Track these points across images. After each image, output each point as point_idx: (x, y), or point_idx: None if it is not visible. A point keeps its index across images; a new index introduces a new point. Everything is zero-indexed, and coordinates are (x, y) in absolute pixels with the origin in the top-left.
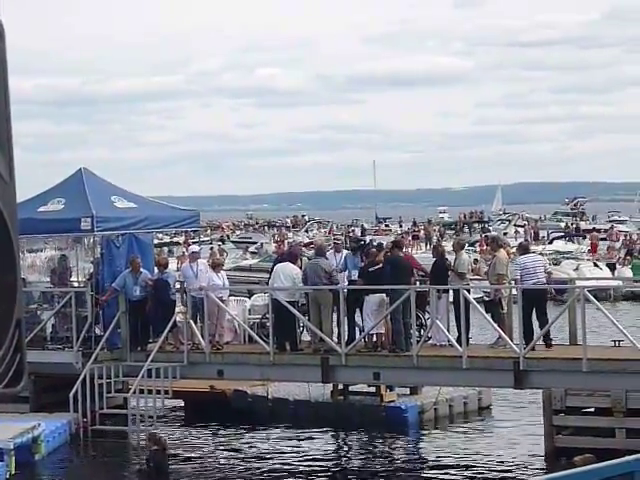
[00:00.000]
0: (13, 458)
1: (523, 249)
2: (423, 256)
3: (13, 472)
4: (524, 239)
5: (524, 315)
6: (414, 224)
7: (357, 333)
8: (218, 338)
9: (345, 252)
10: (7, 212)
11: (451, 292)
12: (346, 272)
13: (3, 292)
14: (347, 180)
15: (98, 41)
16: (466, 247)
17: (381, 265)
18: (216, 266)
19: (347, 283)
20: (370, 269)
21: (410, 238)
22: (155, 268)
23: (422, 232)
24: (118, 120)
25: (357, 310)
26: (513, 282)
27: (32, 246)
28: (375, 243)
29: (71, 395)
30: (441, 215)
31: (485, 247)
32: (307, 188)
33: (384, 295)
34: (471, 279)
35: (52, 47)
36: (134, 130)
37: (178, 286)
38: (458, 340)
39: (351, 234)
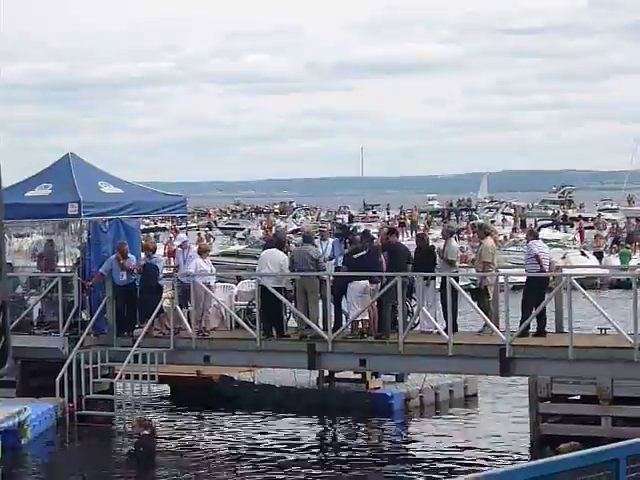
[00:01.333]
0: None
1: (533, 235)
2: (409, 243)
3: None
4: (513, 227)
5: (525, 302)
6: (401, 211)
7: (344, 320)
8: (205, 324)
9: (331, 239)
10: None
11: (438, 279)
12: (334, 260)
13: None
14: (334, 167)
15: (86, 27)
16: None
17: (365, 252)
18: (203, 252)
19: (334, 270)
20: (354, 255)
21: (397, 225)
22: (142, 253)
23: (408, 220)
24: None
25: (343, 297)
26: (500, 270)
27: (19, 231)
28: (361, 230)
29: (57, 380)
30: (430, 202)
31: (472, 235)
32: (294, 175)
33: (367, 282)
34: (459, 267)
35: (39, 32)
36: (121, 115)
37: (165, 271)
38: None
39: (339, 221)
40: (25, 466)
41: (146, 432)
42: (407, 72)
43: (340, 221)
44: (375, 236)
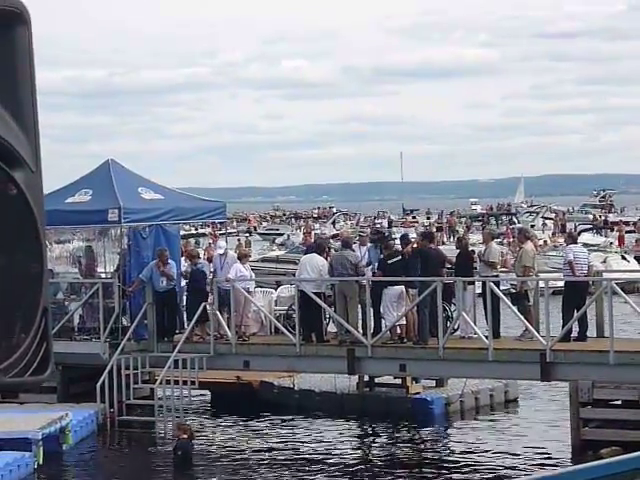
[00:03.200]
0: (41, 448)
1: (572, 239)
2: (446, 248)
3: (41, 462)
4: (552, 232)
5: (566, 307)
6: (439, 216)
7: (382, 325)
8: (244, 329)
9: (369, 245)
10: (33, 200)
11: (479, 284)
12: (371, 265)
13: (30, 280)
14: (373, 172)
15: (125, 33)
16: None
17: (400, 257)
18: (242, 257)
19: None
20: (389, 261)
21: (434, 230)
22: (183, 260)
23: (446, 224)
24: (145, 112)
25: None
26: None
27: (59, 237)
28: (400, 235)
29: (98, 386)
30: (473, 207)
31: (511, 239)
32: (333, 180)
33: (403, 287)
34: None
35: (79, 39)
36: (160, 121)
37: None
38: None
39: (378, 226)
40: (67, 471)
41: (184, 436)
42: (445, 76)
43: (379, 226)
44: (413, 241)
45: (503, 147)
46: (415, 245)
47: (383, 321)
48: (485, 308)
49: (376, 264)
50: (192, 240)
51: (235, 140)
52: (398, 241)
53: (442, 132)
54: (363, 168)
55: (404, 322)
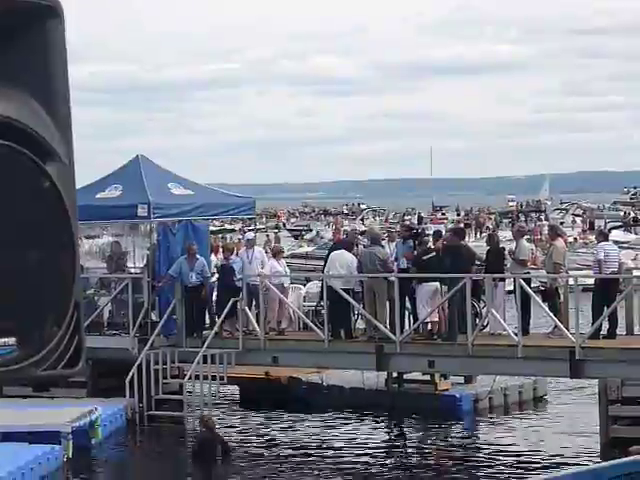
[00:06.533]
0: (71, 442)
1: (603, 236)
2: (473, 245)
3: (70, 455)
4: (581, 228)
5: (595, 304)
6: (466, 213)
7: (410, 320)
8: (283, 325)
9: (397, 240)
10: (65, 194)
11: (509, 281)
12: (398, 261)
13: (62, 274)
14: (402, 168)
15: (154, 29)
16: None
17: (434, 253)
18: (277, 253)
19: (397, 271)
20: (423, 257)
21: (462, 226)
22: (213, 256)
23: (473, 221)
24: (175, 108)
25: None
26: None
27: (89, 232)
28: (432, 231)
29: (127, 380)
30: (511, 204)
31: (539, 236)
32: (362, 176)
33: (437, 284)
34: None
35: (106, 34)
36: (189, 117)
37: None
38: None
39: (407, 222)
40: (96, 464)
41: (205, 429)
42: (475, 73)
43: (408, 222)
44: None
45: (533, 144)
46: (445, 242)
47: (411, 317)
48: (515, 305)
49: (402, 260)
50: (220, 236)
51: (263, 136)
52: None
53: (472, 128)
54: (392, 164)
55: (436, 319)
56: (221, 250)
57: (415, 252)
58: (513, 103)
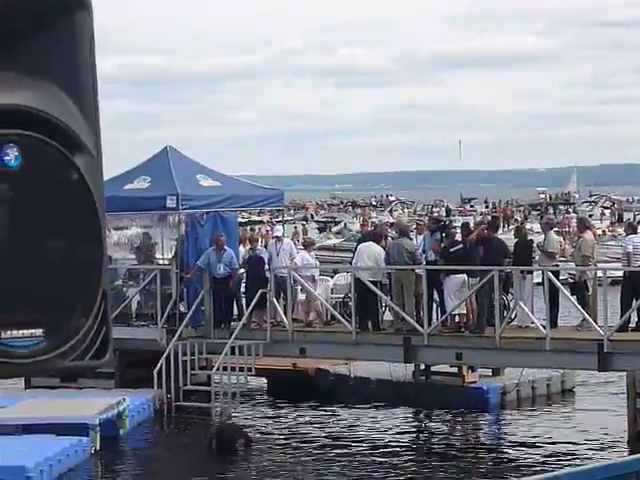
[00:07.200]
0: (98, 434)
1: (632, 229)
2: (501, 237)
3: (98, 447)
4: (610, 221)
5: (624, 297)
6: (493, 205)
7: (437, 313)
8: (311, 317)
9: (425, 233)
10: (93, 185)
11: (538, 273)
12: (425, 253)
13: (90, 264)
14: (429, 160)
15: (179, 21)
16: None
17: (461, 245)
18: (308, 245)
19: (424, 264)
20: (450, 250)
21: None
22: (241, 247)
23: (500, 213)
24: (200, 99)
25: (434, 290)
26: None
27: (118, 224)
28: (460, 223)
29: (155, 371)
30: (542, 196)
31: (567, 229)
32: (390, 168)
33: (465, 276)
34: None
35: (133, 27)
36: (216, 109)
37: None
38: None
39: (436, 214)
40: (123, 456)
41: (221, 420)
42: (502, 65)
43: (436, 214)
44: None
45: (560, 136)
46: (477, 234)
47: (439, 309)
48: (544, 297)
49: (429, 252)
50: (249, 227)
51: (290, 128)
52: (458, 230)
53: (498, 120)
54: (419, 156)
55: (464, 311)
56: (245, 242)
57: (442, 244)
58: (539, 95)
